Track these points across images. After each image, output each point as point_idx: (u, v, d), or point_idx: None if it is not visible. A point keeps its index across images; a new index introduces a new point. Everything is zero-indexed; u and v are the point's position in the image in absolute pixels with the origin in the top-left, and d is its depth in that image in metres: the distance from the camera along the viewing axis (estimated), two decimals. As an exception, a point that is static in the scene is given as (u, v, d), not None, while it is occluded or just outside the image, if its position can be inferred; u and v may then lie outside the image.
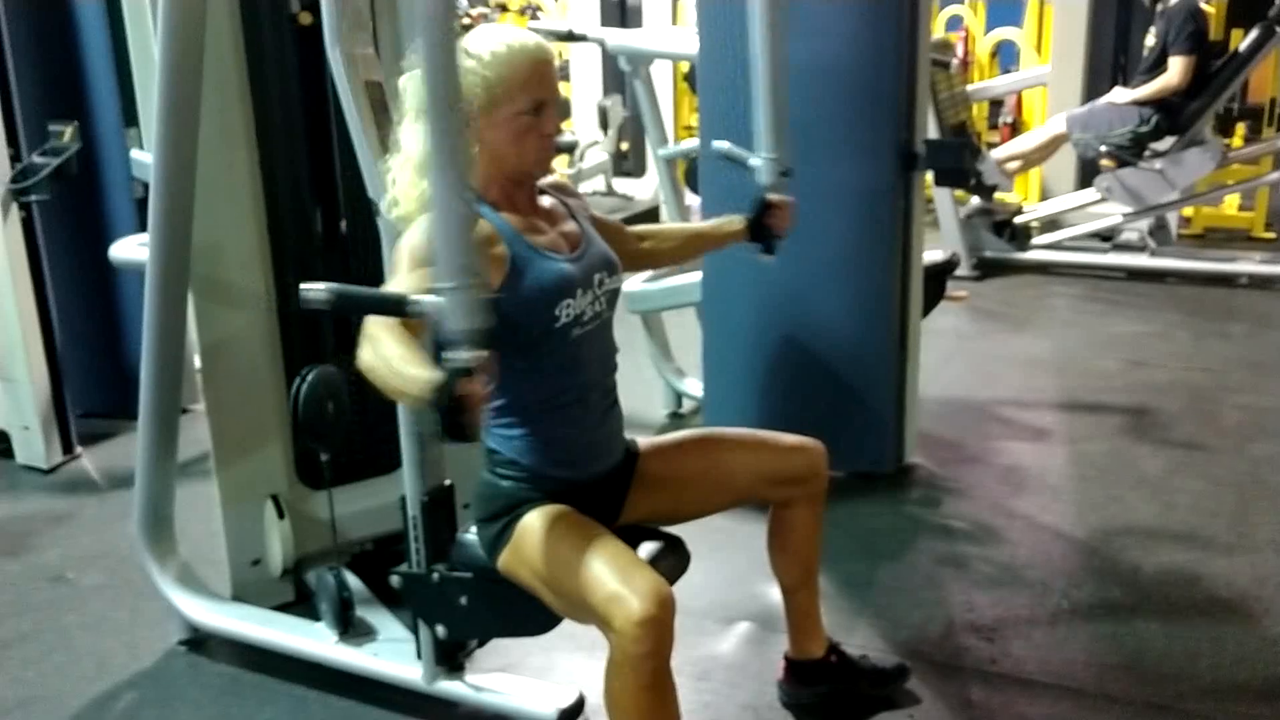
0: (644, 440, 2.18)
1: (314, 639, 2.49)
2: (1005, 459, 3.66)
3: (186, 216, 2.40)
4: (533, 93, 1.86)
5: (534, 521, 1.91)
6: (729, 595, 2.82)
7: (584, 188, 7.43)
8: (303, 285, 1.65)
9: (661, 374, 4.10)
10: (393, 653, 2.40)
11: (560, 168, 7.02)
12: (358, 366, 1.66)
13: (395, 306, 1.64)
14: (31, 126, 3.58)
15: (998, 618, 2.71)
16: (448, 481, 2.21)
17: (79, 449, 3.84)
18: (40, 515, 3.44)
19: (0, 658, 2.68)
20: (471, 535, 2.05)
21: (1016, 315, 5.35)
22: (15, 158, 3.53)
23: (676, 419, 4.10)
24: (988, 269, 5.96)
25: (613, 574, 1.77)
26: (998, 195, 6.20)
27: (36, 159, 3.51)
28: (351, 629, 2.48)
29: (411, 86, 1.89)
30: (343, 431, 2.39)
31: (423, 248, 1.78)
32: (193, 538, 2.88)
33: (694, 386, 3.97)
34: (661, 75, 6.43)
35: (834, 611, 2.71)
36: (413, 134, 1.89)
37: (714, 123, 3.45)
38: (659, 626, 1.73)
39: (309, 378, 2.35)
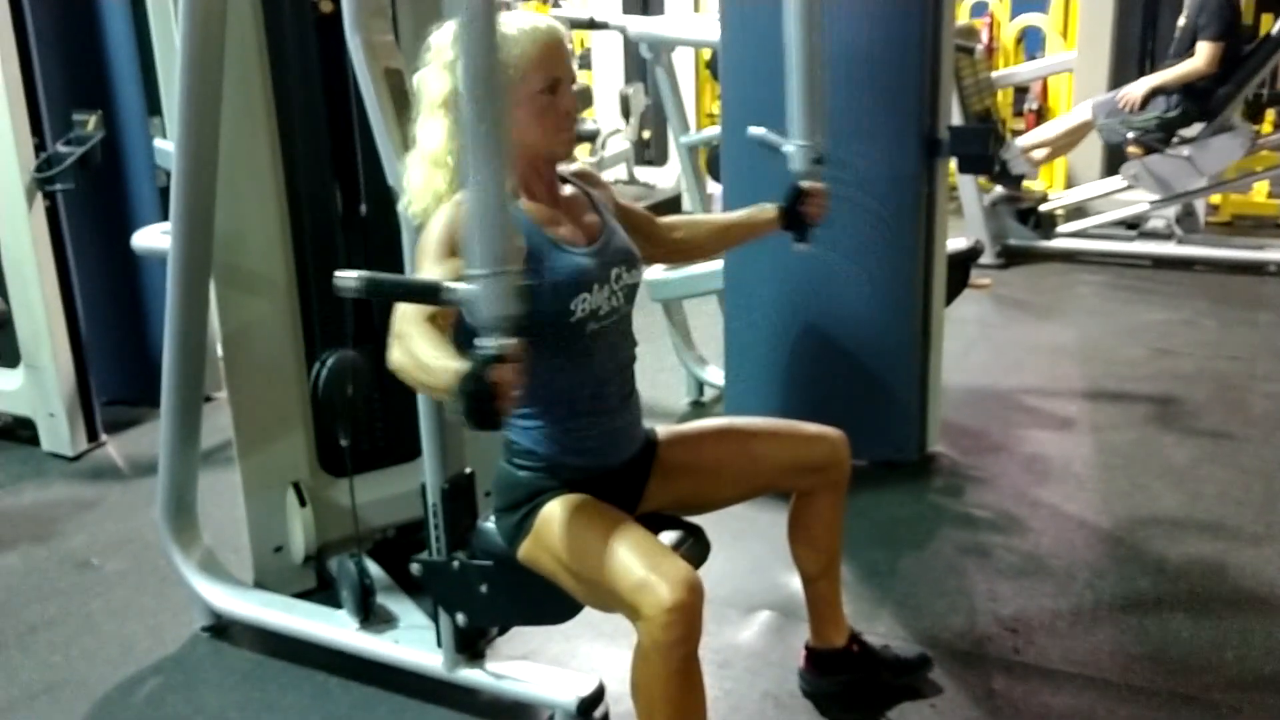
0: (663, 429, 2.17)
1: (335, 626, 2.49)
2: (1029, 448, 3.64)
3: (208, 205, 2.40)
4: (547, 71, 1.86)
5: (555, 510, 1.91)
6: (750, 583, 2.81)
7: (605, 176, 7.41)
8: (336, 273, 1.65)
9: (683, 362, 4.09)
10: (414, 640, 2.40)
11: (582, 156, 7.02)
12: (389, 365, 1.67)
13: (428, 293, 1.64)
14: (56, 115, 3.59)
15: (1021, 607, 2.69)
16: (468, 469, 2.21)
17: (104, 436, 3.86)
18: (66, 502, 3.46)
19: (27, 642, 2.70)
20: (491, 524, 2.05)
21: (1041, 303, 5.31)
22: (40, 147, 3.54)
23: (698, 407, 4.09)
24: (1012, 257, 5.92)
25: (640, 561, 1.76)
26: (1025, 183, 6.14)
27: (60, 148, 3.52)
28: (372, 616, 2.48)
29: (426, 82, 1.89)
30: (362, 415, 2.40)
31: (444, 240, 1.78)
32: (217, 525, 2.89)
33: (715, 375, 3.96)
34: (684, 63, 6.39)
35: (856, 600, 2.71)
36: (428, 129, 1.89)
37: (736, 110, 3.44)
38: (689, 612, 1.72)
39: (329, 362, 2.36)
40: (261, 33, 2.50)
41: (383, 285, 1.67)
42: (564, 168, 2.07)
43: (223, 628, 2.69)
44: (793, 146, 2.30)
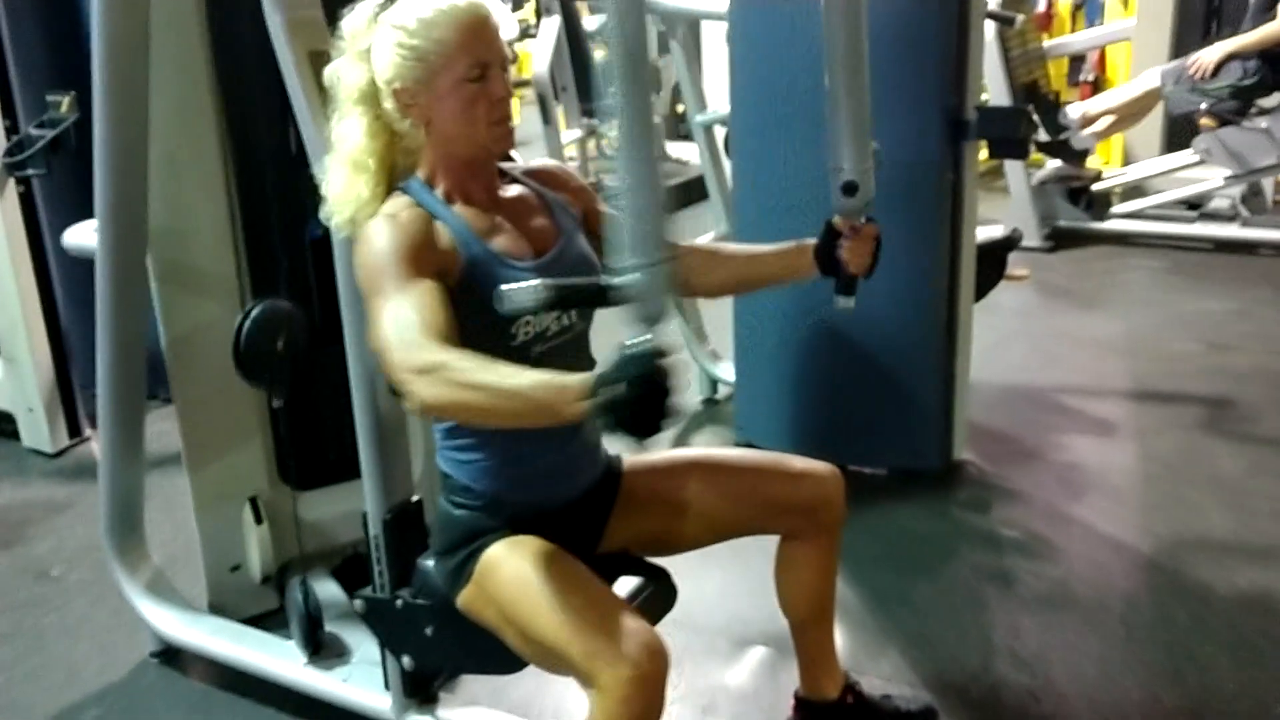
0: (630, 457, 1.93)
1: (283, 659, 2.29)
2: (1065, 455, 3.34)
3: (138, 198, 2.19)
4: (472, 54, 1.61)
5: (497, 556, 1.68)
6: (747, 611, 2.56)
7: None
8: (503, 287, 1.47)
9: (695, 358, 3.84)
10: (364, 679, 2.20)
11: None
12: (427, 406, 1.44)
13: (598, 294, 1.49)
14: (30, 97, 3.42)
15: (1044, 645, 2.42)
16: (416, 497, 1.99)
17: (88, 431, 3.70)
18: (37, 504, 3.31)
19: (-31, 662, 2.55)
20: (432, 562, 1.83)
21: (1087, 291, 4.97)
22: (12, 129, 3.38)
23: (712, 405, 3.84)
24: (1061, 239, 5.57)
25: (594, 621, 1.53)
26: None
27: (33, 131, 3.35)
28: (323, 649, 2.28)
29: (341, 74, 1.67)
30: (291, 373, 2.16)
31: (407, 256, 1.55)
32: (173, 539, 2.70)
33: (730, 371, 3.70)
34: (714, 36, 6.09)
35: (859, 632, 2.47)
36: (345, 127, 1.67)
37: (745, 86, 3.18)
38: (651, 684, 1.50)
39: (253, 312, 2.12)
40: (203, 5, 2.27)
41: (561, 292, 1.51)
42: (516, 166, 1.83)
43: (173, 653, 2.50)
44: (830, 172, 1.82)
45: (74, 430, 3.67)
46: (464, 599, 1.73)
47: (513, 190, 1.78)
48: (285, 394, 2.19)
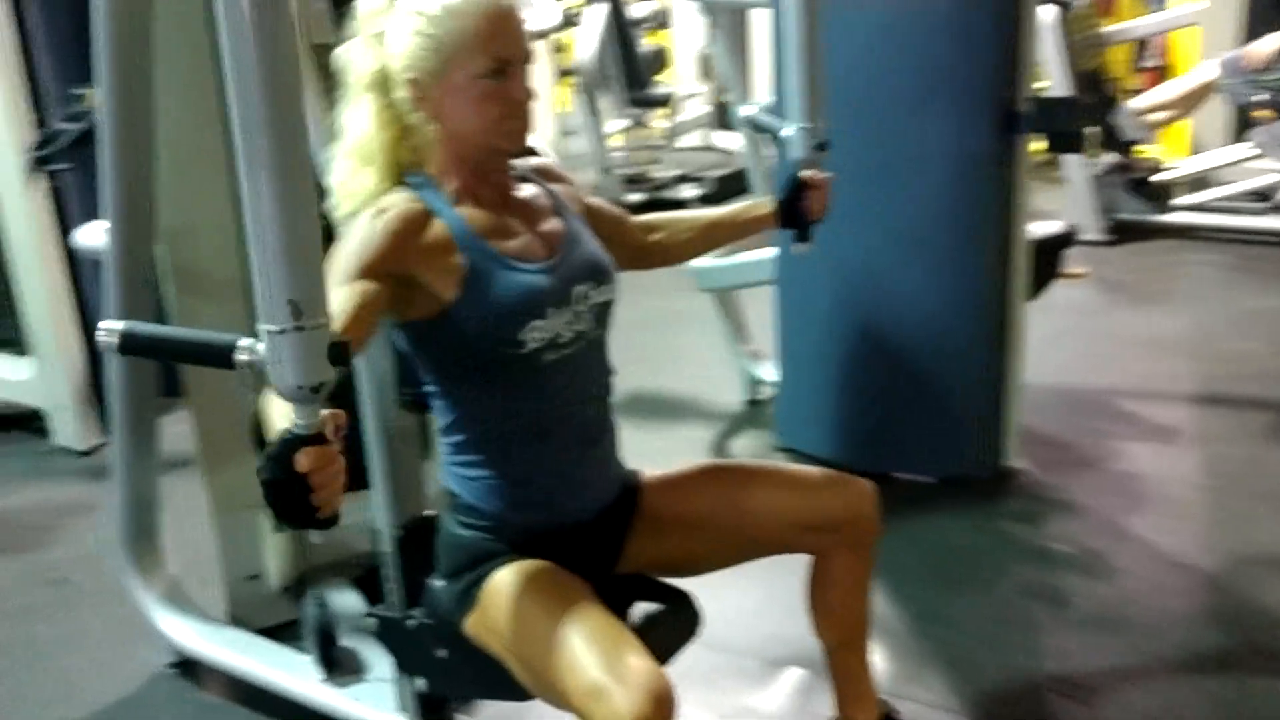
0: (651, 473, 1.82)
1: (297, 674, 2.22)
2: (1122, 463, 3.18)
3: (146, 198, 2.12)
4: (492, 50, 1.51)
5: (502, 582, 1.58)
6: (784, 628, 2.43)
7: (682, 143, 7.02)
8: (101, 324, 1.21)
9: (736, 357, 3.72)
10: (378, 698, 2.11)
11: (658, 122, 6.64)
12: None
13: (218, 354, 1.15)
14: (59, 90, 3.37)
15: (1095, 670, 2.28)
16: (430, 511, 1.90)
17: (119, 429, 3.66)
18: (62, 505, 3.27)
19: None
20: (441, 583, 1.73)
21: (1148, 287, 4.77)
22: (41, 124, 3.33)
23: (754, 406, 3.72)
24: (1122, 233, 5.37)
25: (597, 657, 1.42)
26: (1137, 149, 5.57)
27: (59, 125, 3.29)
28: (338, 665, 2.20)
29: (352, 57, 1.57)
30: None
31: (359, 255, 1.46)
32: (192, 546, 2.64)
33: (772, 371, 3.58)
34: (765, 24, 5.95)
35: (896, 653, 2.34)
36: (353, 115, 1.58)
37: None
38: None
39: None
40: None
41: (144, 341, 1.22)
42: (522, 163, 1.72)
43: (189, 664, 2.43)
44: (791, 130, 1.92)
45: (105, 429, 3.62)
46: (470, 624, 1.64)
47: (526, 190, 1.68)
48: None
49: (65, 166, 3.30)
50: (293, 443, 1.11)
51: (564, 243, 1.64)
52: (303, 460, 1.11)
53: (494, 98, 1.53)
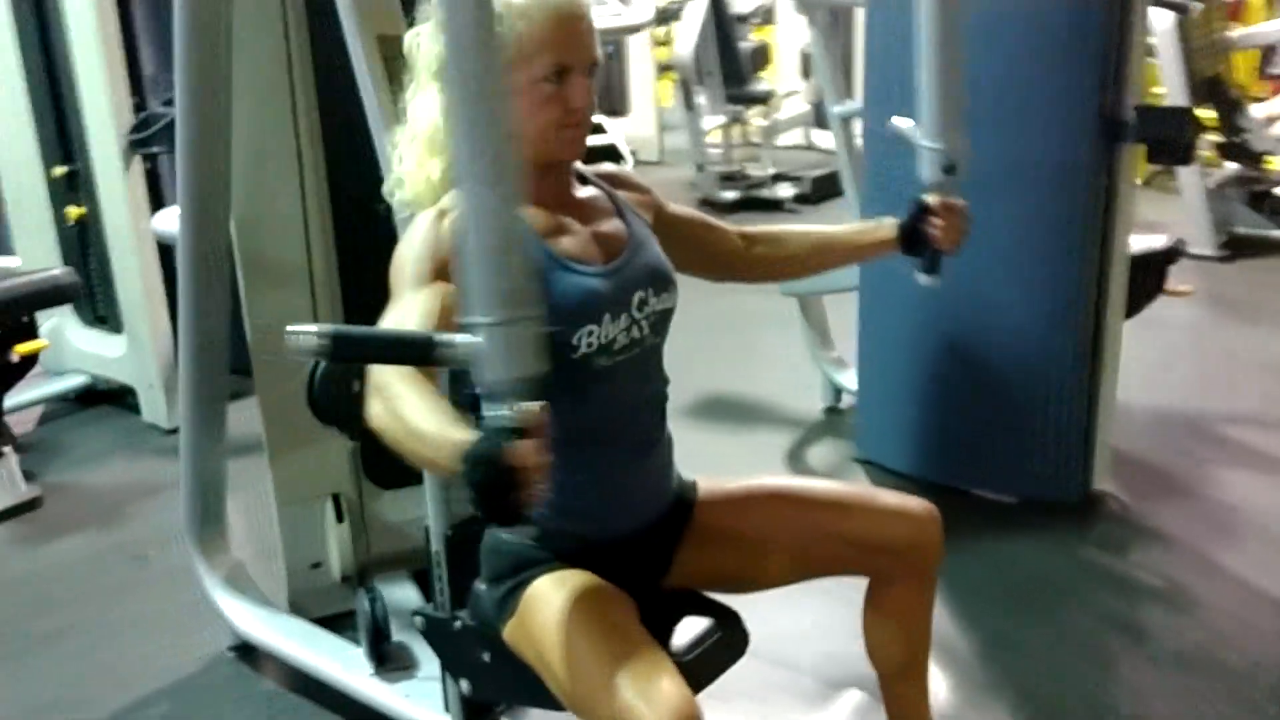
0: (706, 483, 1.76)
1: (349, 667, 2.21)
2: (1221, 493, 3.02)
3: (221, 186, 2.13)
4: (555, 54, 1.46)
5: (542, 591, 1.54)
6: (843, 648, 2.32)
7: (781, 141, 6.92)
8: (289, 327, 1.21)
9: (818, 364, 3.63)
10: (425, 696, 2.10)
11: (756, 120, 6.55)
12: (371, 423, 1.31)
13: (419, 350, 1.22)
14: (159, 77, 3.45)
15: (1173, 713, 2.16)
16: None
17: (206, 408, 3.73)
18: (147, 482, 3.34)
19: (45, 649, 2.56)
20: (485, 588, 1.70)
21: (1263, 306, 4.54)
22: (140, 107, 3.40)
23: (834, 414, 3.63)
24: (1238, 248, 5.13)
25: (628, 678, 1.37)
26: (1267, 161, 5.32)
27: (158, 109, 3.37)
28: (390, 660, 2.20)
29: (420, 43, 1.54)
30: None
31: (426, 256, 1.44)
32: (265, 531, 2.66)
33: (854, 380, 3.49)
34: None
35: (961, 677, 2.27)
36: (420, 102, 1.55)
37: (878, 82, 2.96)
38: None
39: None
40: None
41: (353, 342, 1.22)
42: (590, 168, 1.68)
43: (249, 648, 2.45)
44: (922, 148, 1.78)
45: (191, 408, 3.70)
46: (508, 632, 1.60)
47: (585, 192, 1.63)
48: (358, 435, 2.10)
49: (161, 150, 3.38)
50: (506, 437, 1.11)
51: (626, 247, 1.60)
52: (524, 454, 1.10)
53: (552, 102, 1.49)
